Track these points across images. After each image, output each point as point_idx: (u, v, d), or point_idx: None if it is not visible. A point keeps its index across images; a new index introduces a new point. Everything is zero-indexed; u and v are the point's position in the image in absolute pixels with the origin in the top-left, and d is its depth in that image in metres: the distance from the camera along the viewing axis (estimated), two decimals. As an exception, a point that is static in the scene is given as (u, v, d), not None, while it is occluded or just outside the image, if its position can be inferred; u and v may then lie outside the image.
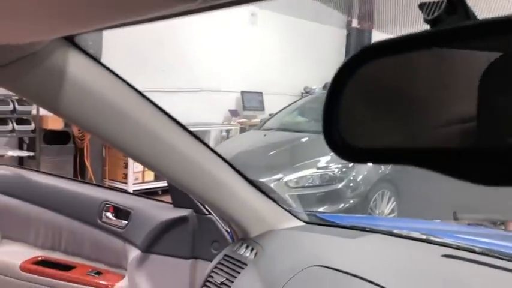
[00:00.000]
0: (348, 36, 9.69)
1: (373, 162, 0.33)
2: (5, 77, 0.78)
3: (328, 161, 4.57)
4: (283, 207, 1.33)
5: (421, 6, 0.44)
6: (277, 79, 8.55)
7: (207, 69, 7.39)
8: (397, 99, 0.32)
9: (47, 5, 0.49)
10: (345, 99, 0.33)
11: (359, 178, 4.55)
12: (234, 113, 8.01)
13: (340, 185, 4.38)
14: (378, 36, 9.50)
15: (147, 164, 1.01)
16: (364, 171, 4.63)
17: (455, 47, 0.31)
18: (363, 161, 0.33)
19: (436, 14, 0.43)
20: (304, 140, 5.20)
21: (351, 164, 4.55)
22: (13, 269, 1.71)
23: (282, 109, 6.13)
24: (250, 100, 8.33)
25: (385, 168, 4.80)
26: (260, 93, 8.40)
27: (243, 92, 8.16)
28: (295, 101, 6.52)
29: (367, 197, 4.49)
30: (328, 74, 8.82)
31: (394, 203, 4.76)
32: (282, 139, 5.20)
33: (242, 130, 7.48)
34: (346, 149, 0.32)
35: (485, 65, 0.32)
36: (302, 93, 8.75)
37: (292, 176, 4.27)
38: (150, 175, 6.27)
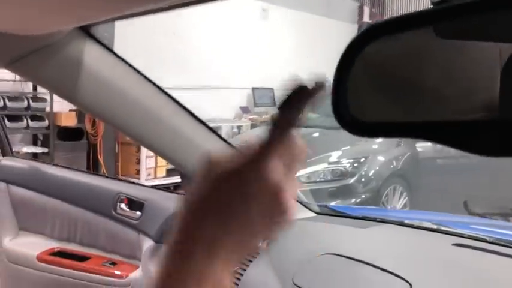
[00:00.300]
0: (359, 30, 9.65)
1: (382, 136, 0.34)
2: (25, 67, 0.80)
3: (339, 156, 4.58)
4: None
5: None
6: (289, 75, 8.53)
7: (218, 66, 7.41)
8: (404, 74, 0.33)
9: None
10: (353, 74, 0.34)
11: (371, 173, 4.55)
12: (245, 109, 8.02)
13: (351, 180, 4.39)
14: (389, 31, 9.44)
15: (159, 153, 1.03)
16: (376, 166, 4.63)
17: (459, 23, 0.32)
18: (373, 135, 0.35)
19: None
20: (315, 135, 5.21)
21: (362, 159, 4.55)
22: (30, 259, 1.75)
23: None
24: (262, 96, 8.33)
25: (397, 164, 4.80)
26: (271, 90, 8.40)
27: (254, 89, 8.17)
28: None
29: (378, 192, 4.49)
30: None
31: (406, 198, 4.75)
32: (293, 134, 5.20)
33: (253, 127, 7.49)
34: (355, 124, 0.34)
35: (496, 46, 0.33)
36: (313, 89, 8.74)
37: (304, 171, 4.28)
38: (162, 171, 6.31)
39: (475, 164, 5.07)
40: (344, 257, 1.00)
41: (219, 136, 1.11)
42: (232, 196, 0.38)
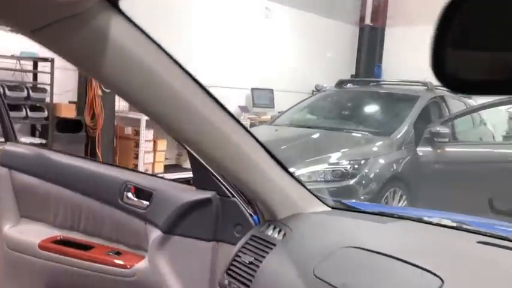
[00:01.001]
0: (361, 33, 9.63)
1: (482, 93, 0.31)
2: (48, 37, 0.77)
3: (339, 157, 4.56)
4: (310, 192, 1.31)
5: None
6: (289, 76, 8.52)
7: (219, 64, 7.37)
8: (507, 31, 0.30)
9: None
10: (455, 30, 0.31)
11: (371, 175, 4.52)
12: (243, 109, 7.99)
13: (352, 182, 4.36)
14: (391, 33, 9.45)
15: (179, 135, 1.00)
16: (376, 168, 4.61)
17: None
18: (471, 92, 0.31)
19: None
20: (315, 136, 5.20)
21: (363, 161, 4.53)
22: (31, 247, 1.70)
23: (293, 106, 6.15)
24: (260, 97, 8.30)
25: (397, 167, 4.78)
26: (271, 90, 8.37)
27: (253, 89, 8.14)
28: (306, 99, 6.53)
29: (378, 194, 4.46)
30: (340, 71, 8.79)
31: (405, 201, 4.73)
32: (294, 134, 5.20)
33: (252, 126, 7.46)
34: (455, 80, 0.31)
35: None
36: (313, 91, 8.71)
37: (305, 171, 4.26)
38: (160, 167, 6.28)
39: (475, 170, 5.06)
40: (367, 250, 0.97)
41: (238, 121, 1.08)
42: None
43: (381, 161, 4.69)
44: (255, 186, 1.15)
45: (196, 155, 1.20)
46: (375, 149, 4.81)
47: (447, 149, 5.11)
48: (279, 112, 6.76)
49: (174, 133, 1.00)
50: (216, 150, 1.04)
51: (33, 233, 1.76)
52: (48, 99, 5.23)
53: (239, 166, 1.09)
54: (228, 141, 1.04)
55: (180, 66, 0.92)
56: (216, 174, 1.43)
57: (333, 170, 4.39)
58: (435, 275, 0.82)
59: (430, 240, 1.07)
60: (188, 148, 1.18)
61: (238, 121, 1.08)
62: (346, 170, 4.40)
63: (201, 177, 1.49)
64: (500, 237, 1.08)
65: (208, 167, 1.29)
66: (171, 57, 0.90)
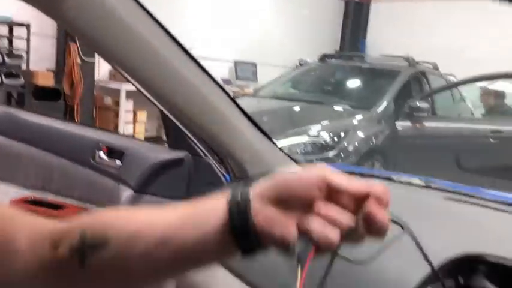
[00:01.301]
0: (346, 8, 9.57)
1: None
2: None
3: (319, 130, 4.58)
4: (282, 151, 1.30)
5: None
6: (273, 50, 8.46)
7: (201, 36, 7.27)
8: None
9: None
10: None
11: (350, 148, 4.56)
12: (227, 81, 7.94)
13: (331, 154, 4.39)
14: (376, 8, 9.41)
15: (150, 88, 0.98)
16: (356, 141, 4.65)
17: None
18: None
19: None
20: (296, 108, 5.21)
21: (342, 134, 4.56)
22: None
23: (275, 79, 6.14)
24: (243, 70, 8.25)
25: (376, 141, 4.83)
26: (254, 64, 8.31)
27: (236, 62, 8.07)
28: (289, 72, 6.52)
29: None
30: (324, 46, 8.75)
31: (384, 175, 4.79)
32: (275, 106, 5.20)
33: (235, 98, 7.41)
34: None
35: None
36: (297, 66, 8.67)
37: (285, 142, 4.27)
38: (140, 137, 6.23)
39: (453, 145, 5.13)
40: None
41: (214, 79, 1.06)
42: None
43: (360, 134, 4.73)
44: (226, 142, 1.14)
45: (166, 111, 1.18)
46: (355, 122, 4.84)
47: (426, 124, 5.16)
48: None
49: (145, 85, 0.98)
50: (184, 100, 1.02)
51: (3, 194, 1.73)
52: (24, 66, 5.12)
53: (209, 118, 1.08)
54: (198, 91, 1.03)
55: (155, 19, 0.90)
56: (188, 134, 1.42)
57: (312, 143, 4.41)
58: (396, 223, 0.82)
59: (397, 195, 1.08)
60: (160, 106, 1.16)
61: (209, 74, 1.06)
62: (325, 142, 4.43)
63: (174, 137, 1.48)
64: (467, 195, 1.10)
65: (179, 124, 1.27)
66: (145, 9, 0.88)
